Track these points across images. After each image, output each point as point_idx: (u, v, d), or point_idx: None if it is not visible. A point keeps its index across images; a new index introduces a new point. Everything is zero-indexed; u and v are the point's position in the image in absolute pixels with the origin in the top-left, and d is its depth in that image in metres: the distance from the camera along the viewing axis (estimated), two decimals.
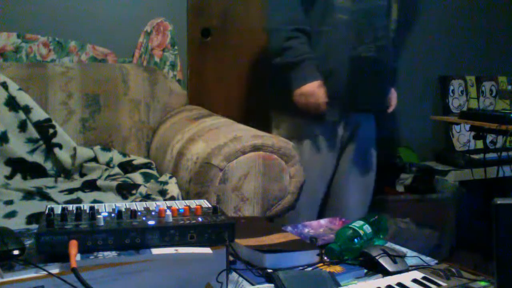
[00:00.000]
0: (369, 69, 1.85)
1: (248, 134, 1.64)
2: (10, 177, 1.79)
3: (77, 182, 1.77)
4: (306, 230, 1.39)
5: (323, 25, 1.82)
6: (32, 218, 1.42)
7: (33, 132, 1.86)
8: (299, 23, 1.82)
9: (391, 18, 1.91)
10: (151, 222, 0.96)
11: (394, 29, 1.93)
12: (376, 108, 2.01)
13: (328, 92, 1.84)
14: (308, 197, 1.91)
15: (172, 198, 1.56)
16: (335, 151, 1.99)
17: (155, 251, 0.94)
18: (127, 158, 1.92)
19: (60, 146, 1.88)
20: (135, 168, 1.86)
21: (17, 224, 1.37)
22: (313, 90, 1.81)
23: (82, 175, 1.87)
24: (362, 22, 1.82)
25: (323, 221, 1.47)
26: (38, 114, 1.88)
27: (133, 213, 0.98)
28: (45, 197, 1.59)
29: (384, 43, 1.87)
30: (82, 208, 1.00)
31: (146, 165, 1.88)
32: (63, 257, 0.87)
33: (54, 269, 0.86)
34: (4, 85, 1.86)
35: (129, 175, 1.80)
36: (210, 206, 1.09)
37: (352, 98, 1.86)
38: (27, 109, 1.86)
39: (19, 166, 1.81)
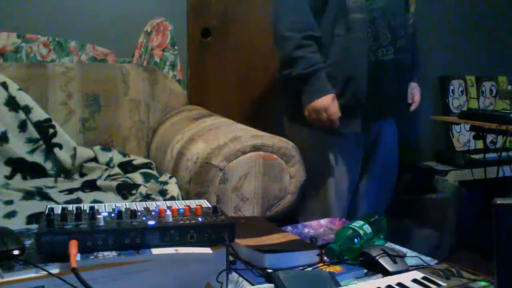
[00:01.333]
0: (389, 73, 1.74)
1: (248, 134, 1.64)
2: (10, 177, 1.79)
3: (77, 182, 1.77)
4: (306, 230, 1.39)
5: (336, 29, 1.69)
6: (32, 218, 1.42)
7: (33, 132, 1.86)
8: (310, 29, 1.68)
9: (409, 13, 1.80)
10: (151, 222, 0.96)
11: (412, 23, 1.82)
12: (398, 111, 1.90)
13: (346, 102, 1.71)
14: (339, 203, 1.87)
15: (172, 198, 1.56)
16: (358, 159, 1.88)
17: (155, 251, 0.94)
18: (127, 158, 1.92)
19: (60, 146, 1.88)
20: (135, 168, 1.86)
21: (17, 224, 1.37)
22: (326, 105, 1.68)
23: (82, 175, 1.87)
24: (379, 22, 1.69)
25: (323, 221, 1.47)
26: (38, 114, 1.88)
27: (133, 213, 0.98)
28: (45, 197, 1.59)
29: (404, 43, 1.76)
30: (82, 208, 1.00)
31: (146, 165, 1.88)
32: (63, 257, 0.87)
33: (54, 269, 0.86)
34: (4, 85, 1.86)
35: (129, 175, 1.80)
36: (210, 206, 1.09)
37: (373, 105, 1.73)
38: (27, 109, 1.86)
39: (19, 166, 1.81)
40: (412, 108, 1.95)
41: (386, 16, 1.71)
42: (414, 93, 1.93)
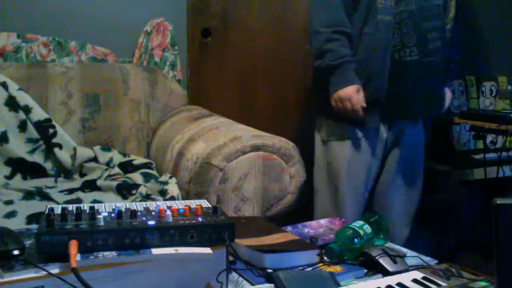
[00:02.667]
0: (412, 73, 1.80)
1: (248, 134, 1.64)
2: (10, 177, 1.79)
3: (77, 182, 1.77)
4: (306, 230, 1.39)
5: (365, 27, 1.78)
6: (32, 218, 1.42)
7: (33, 132, 1.86)
8: (340, 25, 1.78)
9: (447, 18, 1.85)
10: (151, 222, 0.96)
11: (451, 28, 1.86)
12: (422, 114, 1.94)
13: (367, 97, 1.79)
14: (351, 197, 1.89)
15: (172, 198, 1.56)
16: (378, 155, 1.92)
17: (155, 251, 0.94)
18: (127, 158, 1.92)
19: (60, 146, 1.88)
20: (135, 168, 1.86)
21: (17, 224, 1.37)
22: (350, 95, 1.76)
23: (82, 175, 1.87)
24: (405, 24, 1.76)
25: (323, 221, 1.47)
26: (38, 114, 1.88)
27: (133, 213, 0.98)
28: (45, 197, 1.59)
29: (436, 46, 1.80)
30: (82, 208, 1.00)
31: (146, 165, 1.88)
32: (63, 257, 0.87)
33: (54, 269, 0.86)
34: (4, 85, 1.86)
35: (129, 175, 1.80)
36: (210, 206, 1.09)
37: (393, 104, 1.80)
38: (27, 109, 1.86)
39: (19, 166, 1.81)
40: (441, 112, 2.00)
41: (416, 19, 1.77)
42: (446, 98, 1.98)
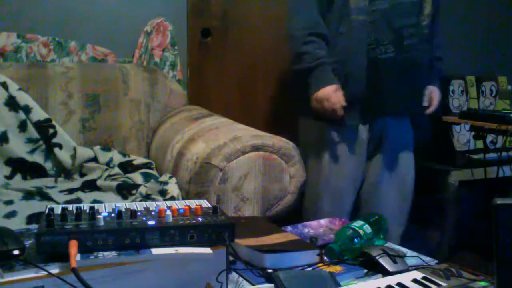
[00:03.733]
0: (390, 70, 1.79)
1: (248, 134, 1.64)
2: (10, 177, 1.79)
3: (77, 182, 1.77)
4: (306, 230, 1.39)
5: (339, 28, 1.80)
6: (32, 218, 1.42)
7: (33, 132, 1.86)
8: (315, 27, 1.81)
9: (423, 14, 1.84)
10: (151, 222, 0.96)
11: (427, 24, 1.85)
12: (402, 111, 1.92)
13: (346, 96, 1.80)
14: (334, 206, 1.88)
15: (172, 198, 1.57)
16: (361, 156, 1.91)
17: (155, 251, 0.94)
18: (127, 158, 1.92)
19: (60, 146, 1.88)
20: (135, 168, 1.86)
21: (17, 224, 1.37)
22: (328, 95, 1.78)
23: (82, 175, 1.87)
24: (379, 22, 1.77)
25: (323, 221, 1.47)
26: (38, 114, 1.88)
27: (133, 213, 0.98)
28: (45, 197, 1.59)
29: (412, 42, 1.80)
30: (82, 208, 1.00)
31: (146, 165, 1.88)
32: (63, 257, 0.87)
33: (54, 269, 0.86)
34: (4, 85, 1.86)
35: (129, 175, 1.80)
36: (210, 206, 1.09)
37: (372, 101, 1.81)
38: (27, 109, 1.86)
39: (19, 166, 1.81)
40: (429, 111, 1.96)
41: (390, 16, 1.77)
42: (433, 96, 1.96)
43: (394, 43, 1.78)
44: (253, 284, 1.03)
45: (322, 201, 1.90)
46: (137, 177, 1.76)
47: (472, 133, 2.36)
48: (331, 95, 1.78)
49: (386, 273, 1.11)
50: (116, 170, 1.84)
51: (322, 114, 1.82)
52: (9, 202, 1.54)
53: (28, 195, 1.60)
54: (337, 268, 1.13)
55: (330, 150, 1.89)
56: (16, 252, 0.90)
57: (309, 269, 1.12)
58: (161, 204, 1.10)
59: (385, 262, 1.13)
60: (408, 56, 1.80)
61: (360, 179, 1.95)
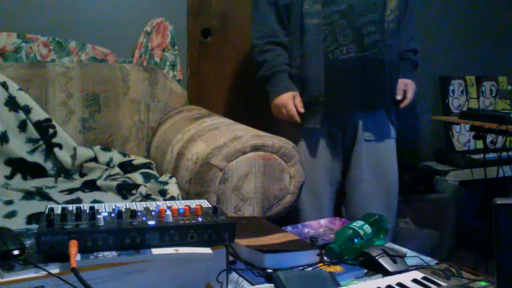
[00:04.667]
0: (351, 69, 1.81)
1: (248, 134, 1.64)
2: (10, 177, 1.79)
3: (77, 182, 1.77)
4: (306, 230, 1.39)
5: (297, 33, 1.84)
6: (32, 218, 1.42)
7: (33, 132, 1.86)
8: (273, 36, 1.87)
9: (387, 9, 1.84)
10: (151, 222, 0.96)
11: (393, 19, 1.85)
12: (370, 106, 1.90)
13: (305, 100, 1.86)
14: (313, 201, 1.91)
15: (172, 198, 1.57)
16: (330, 154, 1.93)
17: (155, 251, 0.94)
18: (127, 158, 1.92)
19: (60, 146, 1.88)
20: (135, 168, 1.86)
21: (17, 224, 1.37)
22: (285, 101, 1.85)
23: (82, 175, 1.87)
24: (337, 24, 1.79)
25: (323, 221, 1.47)
26: (38, 114, 1.88)
27: (133, 213, 0.98)
28: (45, 197, 1.59)
29: (375, 38, 1.81)
30: (82, 208, 1.00)
31: (146, 165, 1.88)
32: (63, 257, 0.87)
33: (54, 269, 0.86)
34: (4, 85, 1.86)
35: (129, 175, 1.80)
36: (210, 206, 1.09)
37: (333, 102, 1.83)
38: (27, 109, 1.86)
39: (19, 166, 1.81)
40: (403, 105, 1.96)
41: (348, 16, 1.80)
42: (407, 89, 1.96)
43: (355, 42, 1.80)
44: (253, 284, 1.03)
45: (301, 198, 1.88)
46: (137, 177, 1.76)
47: (472, 133, 2.36)
48: (288, 102, 1.85)
49: (386, 273, 1.11)
50: (116, 170, 1.84)
51: (280, 120, 1.90)
52: (9, 202, 1.54)
53: (28, 195, 1.60)
54: (337, 268, 1.13)
55: (300, 151, 1.87)
56: (16, 252, 0.90)
57: (309, 269, 1.12)
58: (161, 204, 1.10)
59: (385, 262, 1.13)
60: (371, 53, 1.81)
61: (338, 175, 1.97)
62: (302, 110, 1.86)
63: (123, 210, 0.99)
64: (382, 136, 1.97)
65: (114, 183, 1.68)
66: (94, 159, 1.90)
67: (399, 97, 1.94)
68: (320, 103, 1.84)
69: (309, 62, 1.83)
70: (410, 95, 1.96)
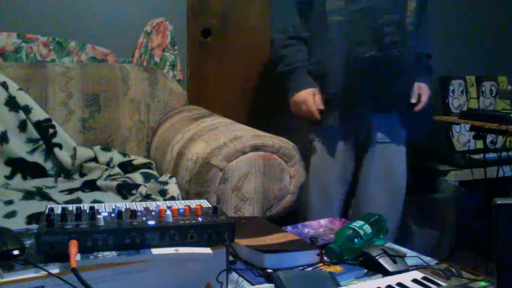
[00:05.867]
0: (371, 69, 1.79)
1: (248, 134, 1.64)
2: (10, 177, 1.79)
3: (77, 182, 1.77)
4: (306, 230, 1.39)
5: (318, 30, 1.82)
6: (32, 218, 1.42)
7: (33, 132, 1.86)
8: (295, 31, 1.84)
9: (407, 11, 1.83)
10: (151, 222, 0.96)
11: (412, 21, 1.83)
12: (384, 109, 1.90)
13: (324, 98, 1.83)
14: (323, 202, 1.90)
15: (172, 198, 1.56)
16: (347, 153, 1.92)
17: (155, 251, 0.94)
18: (127, 158, 1.92)
19: (60, 146, 1.88)
20: (135, 168, 1.86)
21: (17, 224, 1.37)
22: (305, 98, 1.82)
23: (82, 175, 1.87)
24: (359, 22, 1.77)
25: (323, 221, 1.47)
26: (38, 114, 1.88)
27: (133, 213, 0.98)
28: (45, 197, 1.59)
29: (395, 39, 1.79)
30: (82, 208, 1.00)
31: (146, 165, 1.88)
32: (63, 257, 0.87)
33: (54, 269, 0.86)
34: (4, 85, 1.86)
35: (129, 175, 1.80)
36: (210, 206, 1.09)
37: (352, 100, 1.82)
38: (27, 109, 1.86)
39: (19, 166, 1.81)
40: (417, 108, 1.96)
41: (370, 15, 1.78)
42: (421, 93, 1.95)
43: (375, 41, 1.78)
44: (253, 284, 1.03)
45: (311, 198, 1.91)
46: (137, 177, 1.76)
47: (472, 133, 2.36)
48: (308, 98, 1.82)
49: (386, 273, 1.11)
50: (116, 170, 1.84)
51: (299, 117, 1.88)
52: (9, 202, 1.54)
53: (28, 195, 1.60)
54: (337, 268, 1.13)
55: (315, 150, 1.92)
56: (16, 252, 0.90)
57: (309, 269, 1.12)
58: (161, 204, 1.10)
59: (385, 262, 1.13)
60: (390, 54, 1.79)
61: (350, 175, 1.95)
62: (322, 107, 1.84)
63: (123, 210, 0.99)
64: (394, 139, 1.96)
65: (114, 183, 1.68)
66: (94, 159, 1.90)
67: (414, 100, 1.93)
68: (338, 101, 1.83)
69: (330, 59, 1.81)
70: (424, 98, 1.95)
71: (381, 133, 1.92)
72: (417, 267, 1.13)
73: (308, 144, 1.94)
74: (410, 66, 1.87)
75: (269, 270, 1.06)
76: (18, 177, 1.80)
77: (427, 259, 1.20)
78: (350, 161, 1.94)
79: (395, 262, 1.13)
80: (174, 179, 1.66)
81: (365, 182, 1.96)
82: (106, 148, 1.95)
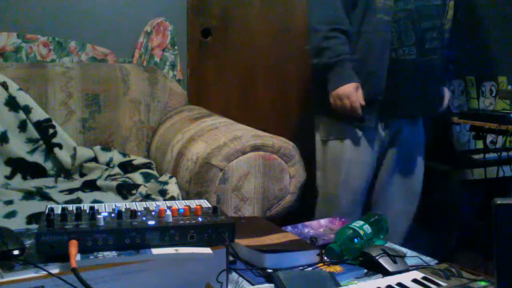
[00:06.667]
0: (410, 72, 1.80)
1: (248, 134, 1.64)
2: (10, 177, 1.79)
3: (77, 182, 1.77)
4: (306, 230, 1.39)
5: (363, 26, 1.78)
6: (32, 218, 1.42)
7: (33, 132, 1.86)
8: (339, 23, 1.78)
9: (446, 18, 1.84)
10: (151, 222, 0.96)
11: (449, 28, 1.86)
12: (419, 114, 1.94)
13: (365, 95, 1.79)
14: (349, 196, 1.90)
15: (172, 198, 1.56)
16: (375, 154, 1.92)
17: (155, 251, 0.94)
18: (127, 158, 1.92)
19: (60, 146, 1.88)
20: (135, 168, 1.86)
21: (17, 224, 1.37)
22: (349, 92, 1.76)
23: (82, 175, 1.87)
24: (404, 23, 1.77)
25: (323, 221, 1.47)
26: (38, 114, 1.88)
27: (133, 213, 0.98)
28: (45, 197, 1.59)
29: (435, 45, 1.81)
30: (82, 208, 1.00)
31: (146, 165, 1.88)
32: (63, 257, 0.87)
33: (54, 269, 0.86)
34: (4, 85, 1.86)
35: (129, 175, 1.80)
36: (210, 206, 1.09)
37: (390, 102, 1.80)
38: (27, 109, 1.86)
39: (19, 166, 1.81)
40: (440, 111, 1.99)
41: (414, 18, 1.77)
42: (444, 97, 1.98)
43: (416, 45, 1.78)
44: (253, 284, 1.03)
45: (340, 199, 1.91)
46: (137, 177, 1.76)
47: (472, 133, 2.36)
48: (352, 93, 1.76)
49: (386, 273, 1.11)
50: (116, 170, 1.84)
51: (340, 111, 1.80)
52: (9, 202, 1.54)
53: (28, 195, 1.60)
54: (337, 268, 1.13)
55: (350, 149, 1.88)
56: (16, 252, 0.90)
57: (309, 269, 1.12)
58: (161, 204, 1.10)
59: (385, 262, 1.13)
60: (429, 60, 1.80)
61: (371, 178, 1.95)
62: (363, 102, 1.79)
63: (123, 210, 0.99)
64: (417, 143, 1.98)
65: (114, 183, 1.68)
66: (94, 159, 1.90)
67: (446, 105, 1.98)
68: (378, 101, 1.80)
69: (373, 58, 1.78)
70: (446, 102, 1.98)
71: (406, 136, 1.94)
72: (417, 267, 1.14)
73: (346, 138, 1.89)
74: (441, 73, 1.90)
75: (269, 270, 1.06)
76: (18, 177, 1.80)
77: (427, 259, 1.20)
78: (374, 162, 1.94)
79: (395, 262, 1.13)
80: (174, 179, 1.66)
81: (384, 183, 1.97)
82: (106, 148, 1.95)
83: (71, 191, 1.66)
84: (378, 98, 1.80)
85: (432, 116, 1.99)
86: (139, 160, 1.91)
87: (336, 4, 1.78)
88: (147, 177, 1.75)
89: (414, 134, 1.99)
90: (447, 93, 1.99)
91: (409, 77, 1.80)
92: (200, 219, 1.00)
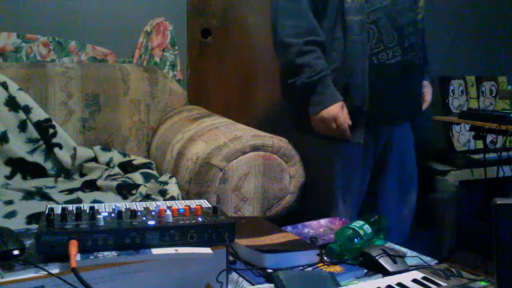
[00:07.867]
0: (396, 75, 1.63)
1: (248, 134, 1.64)
2: (10, 177, 1.79)
3: (77, 182, 1.77)
4: (306, 230, 1.39)
5: (336, 32, 1.59)
6: (32, 218, 1.42)
7: (33, 132, 1.86)
8: (313, 34, 1.57)
9: (418, 7, 1.67)
10: (151, 222, 0.96)
11: (422, 18, 1.68)
12: (410, 114, 1.78)
13: (349, 110, 1.61)
14: (345, 210, 1.80)
15: (172, 198, 1.57)
16: (367, 167, 1.78)
17: (155, 251, 0.94)
18: (127, 158, 1.92)
19: (60, 146, 1.88)
20: (135, 168, 1.86)
21: (17, 224, 1.37)
22: (335, 114, 1.57)
23: (82, 175, 1.87)
24: (383, 22, 1.58)
25: (323, 221, 1.47)
26: (38, 114, 1.88)
27: (133, 213, 0.98)
28: (45, 197, 1.59)
29: (413, 41, 1.64)
30: (82, 208, 1.00)
31: (146, 165, 1.88)
32: (63, 257, 0.87)
33: (54, 269, 0.86)
34: (4, 85, 1.86)
35: (129, 175, 1.80)
36: (210, 206, 1.09)
37: (377, 111, 1.63)
38: (27, 109, 1.86)
39: (19, 166, 1.81)
40: (423, 108, 1.85)
41: (392, 14, 1.60)
42: (425, 92, 1.83)
43: (399, 44, 1.61)
44: (253, 284, 1.03)
45: (336, 206, 1.81)
46: (137, 177, 1.76)
47: (472, 133, 2.36)
48: (338, 114, 1.58)
49: (386, 273, 1.11)
50: (116, 170, 1.84)
51: (326, 135, 1.63)
52: (9, 202, 1.54)
53: (28, 195, 1.60)
54: (337, 268, 1.13)
55: (340, 169, 1.75)
56: (16, 252, 0.90)
57: (309, 269, 1.12)
58: (161, 204, 1.10)
59: (385, 262, 1.13)
60: (411, 57, 1.65)
61: (365, 189, 1.84)
62: (350, 122, 1.61)
63: (123, 210, 0.99)
64: (407, 143, 1.87)
65: (114, 183, 1.68)
66: (94, 159, 1.90)
67: (427, 104, 1.84)
68: (363, 113, 1.62)
69: (351, 65, 1.58)
70: (428, 97, 1.84)
71: (397, 139, 1.82)
72: (417, 267, 1.13)
73: (329, 160, 1.75)
74: (421, 68, 1.75)
75: (269, 270, 1.06)
76: (18, 177, 1.80)
77: (427, 259, 1.20)
78: (368, 170, 1.80)
79: (395, 262, 1.13)
80: (174, 179, 1.66)
81: (381, 188, 1.87)
82: (106, 148, 1.95)
83: (71, 191, 1.66)
84: (362, 109, 1.62)
85: (419, 113, 1.82)
86: (139, 160, 1.91)
87: (306, 12, 1.57)
88: (147, 177, 1.75)
89: (404, 137, 1.86)
90: (427, 86, 1.84)
91: (394, 80, 1.63)
92: (200, 219, 1.00)
